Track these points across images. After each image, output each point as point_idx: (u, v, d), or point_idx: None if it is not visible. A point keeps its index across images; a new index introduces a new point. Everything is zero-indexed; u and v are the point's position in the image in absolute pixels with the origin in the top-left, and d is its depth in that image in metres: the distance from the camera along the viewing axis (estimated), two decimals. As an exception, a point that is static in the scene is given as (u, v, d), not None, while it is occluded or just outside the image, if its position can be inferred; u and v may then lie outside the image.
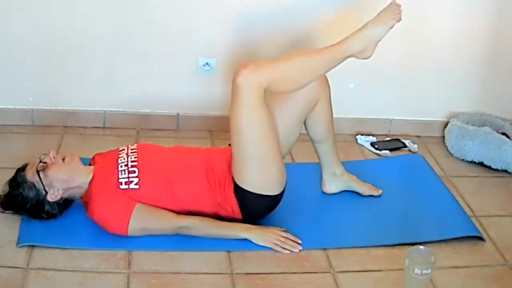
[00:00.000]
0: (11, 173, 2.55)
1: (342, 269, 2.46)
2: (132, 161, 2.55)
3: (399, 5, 2.57)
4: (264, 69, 2.44)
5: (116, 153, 2.62)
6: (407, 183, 3.01)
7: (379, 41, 2.55)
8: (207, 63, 3.25)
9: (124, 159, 2.57)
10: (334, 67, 2.55)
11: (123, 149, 2.64)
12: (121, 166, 2.54)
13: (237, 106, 2.43)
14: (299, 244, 2.53)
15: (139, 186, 2.49)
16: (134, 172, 2.51)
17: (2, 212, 2.56)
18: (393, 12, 2.55)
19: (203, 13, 3.16)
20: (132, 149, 2.62)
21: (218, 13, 3.16)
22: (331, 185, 2.86)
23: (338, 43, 2.54)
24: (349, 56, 2.55)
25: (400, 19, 2.56)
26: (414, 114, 3.48)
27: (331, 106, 2.73)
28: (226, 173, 2.55)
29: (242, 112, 2.43)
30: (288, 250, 2.51)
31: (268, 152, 2.49)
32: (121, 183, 2.49)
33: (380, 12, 2.57)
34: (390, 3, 2.58)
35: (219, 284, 2.34)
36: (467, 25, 3.29)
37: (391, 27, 2.55)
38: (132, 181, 2.49)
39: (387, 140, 3.40)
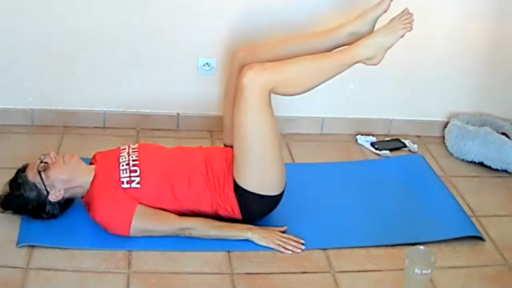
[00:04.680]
0: (11, 174, 2.55)
1: (342, 269, 2.46)
2: (133, 160, 2.55)
3: (411, 14, 2.56)
4: (271, 71, 2.44)
5: (117, 152, 2.62)
6: (407, 183, 3.01)
7: (388, 48, 2.55)
8: (207, 63, 3.25)
9: (125, 158, 2.57)
10: (341, 72, 2.55)
11: (124, 148, 2.64)
12: (123, 165, 2.54)
13: (242, 107, 2.43)
14: (302, 244, 2.54)
15: (141, 186, 2.49)
16: (135, 171, 2.51)
17: (2, 212, 2.56)
18: (405, 21, 2.55)
19: (203, 13, 3.16)
20: (133, 148, 2.62)
21: (218, 13, 3.16)
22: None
23: (347, 49, 2.55)
24: (357, 62, 2.55)
25: (411, 29, 2.56)
26: (414, 114, 3.48)
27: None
28: (225, 173, 2.55)
29: (247, 113, 2.43)
30: (290, 250, 2.51)
31: (270, 153, 2.49)
32: (122, 182, 2.49)
33: (392, 20, 2.57)
34: (402, 12, 2.58)
35: (219, 284, 2.34)
36: (467, 26, 3.29)
37: (402, 36, 2.55)
38: (133, 180, 2.49)
39: (387, 140, 3.40)
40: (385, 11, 2.64)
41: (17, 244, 2.43)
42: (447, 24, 3.29)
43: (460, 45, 3.34)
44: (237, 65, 2.64)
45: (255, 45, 2.75)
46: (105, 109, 3.30)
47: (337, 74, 2.55)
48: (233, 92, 2.63)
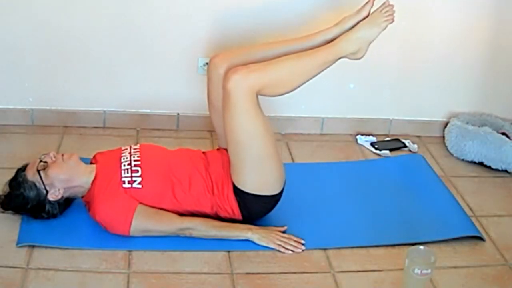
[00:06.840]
0: (11, 173, 2.55)
1: (342, 269, 2.46)
2: (135, 160, 2.55)
3: (391, 6, 2.56)
4: (255, 73, 2.42)
5: (118, 152, 2.62)
6: (407, 183, 3.01)
7: (371, 42, 2.54)
8: (207, 63, 3.24)
9: (127, 158, 2.57)
10: (326, 68, 2.55)
11: (126, 149, 2.64)
12: (124, 165, 2.54)
13: (231, 113, 2.42)
14: (302, 244, 2.54)
15: (142, 186, 2.49)
16: (137, 171, 2.51)
17: (2, 212, 2.56)
18: (386, 13, 2.54)
19: (203, 13, 3.16)
20: (135, 149, 2.62)
21: (219, 13, 3.16)
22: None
23: (330, 45, 2.54)
24: (341, 58, 2.55)
25: (393, 21, 2.56)
26: (414, 114, 3.48)
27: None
28: (223, 177, 2.55)
29: (236, 117, 2.42)
30: (290, 250, 2.51)
31: (266, 153, 2.49)
32: (124, 182, 2.49)
33: (373, 13, 2.57)
34: (383, 4, 2.58)
35: (219, 284, 2.34)
36: (467, 25, 3.29)
37: (384, 29, 2.55)
38: (135, 180, 2.49)
39: (387, 140, 3.40)
40: (365, 19, 2.62)
41: (17, 244, 2.43)
42: (446, 24, 3.28)
43: (460, 45, 3.34)
44: (213, 71, 2.63)
45: (230, 50, 2.73)
46: (105, 109, 3.30)
47: (322, 71, 2.55)
48: (212, 97, 2.65)
